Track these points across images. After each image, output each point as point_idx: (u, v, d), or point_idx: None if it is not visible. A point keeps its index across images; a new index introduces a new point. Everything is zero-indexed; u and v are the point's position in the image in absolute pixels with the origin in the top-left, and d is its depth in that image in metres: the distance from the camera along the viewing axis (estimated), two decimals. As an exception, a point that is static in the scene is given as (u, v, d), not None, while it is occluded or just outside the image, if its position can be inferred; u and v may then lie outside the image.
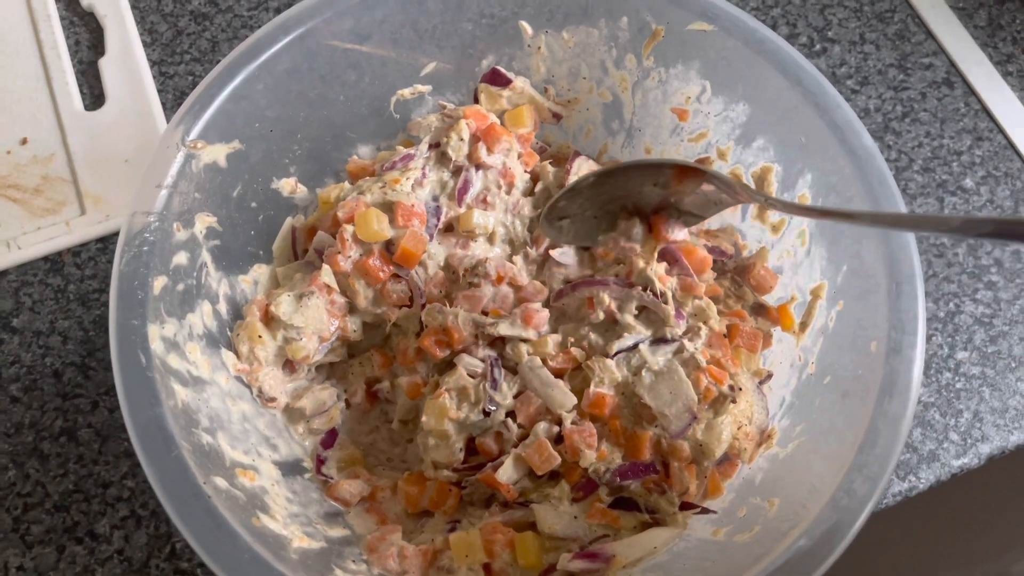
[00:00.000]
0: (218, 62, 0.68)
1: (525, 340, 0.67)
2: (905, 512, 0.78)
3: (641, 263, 0.68)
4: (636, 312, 0.66)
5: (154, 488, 0.52)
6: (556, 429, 0.64)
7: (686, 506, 0.63)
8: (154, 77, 0.91)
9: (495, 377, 0.65)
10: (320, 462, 0.67)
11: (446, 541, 0.61)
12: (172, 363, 0.58)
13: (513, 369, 0.66)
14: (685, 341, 0.65)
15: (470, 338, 0.67)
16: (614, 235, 0.65)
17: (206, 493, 0.53)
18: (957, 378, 0.80)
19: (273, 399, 0.66)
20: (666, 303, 0.66)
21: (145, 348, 0.56)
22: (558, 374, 0.65)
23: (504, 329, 0.66)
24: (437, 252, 0.71)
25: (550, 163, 0.75)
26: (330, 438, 0.69)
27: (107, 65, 0.90)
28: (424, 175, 0.70)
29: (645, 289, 0.66)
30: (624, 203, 0.64)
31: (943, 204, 0.87)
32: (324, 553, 0.59)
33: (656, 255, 0.70)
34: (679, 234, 0.64)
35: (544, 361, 0.65)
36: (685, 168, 0.60)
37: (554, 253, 0.71)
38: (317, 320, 0.66)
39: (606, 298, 0.66)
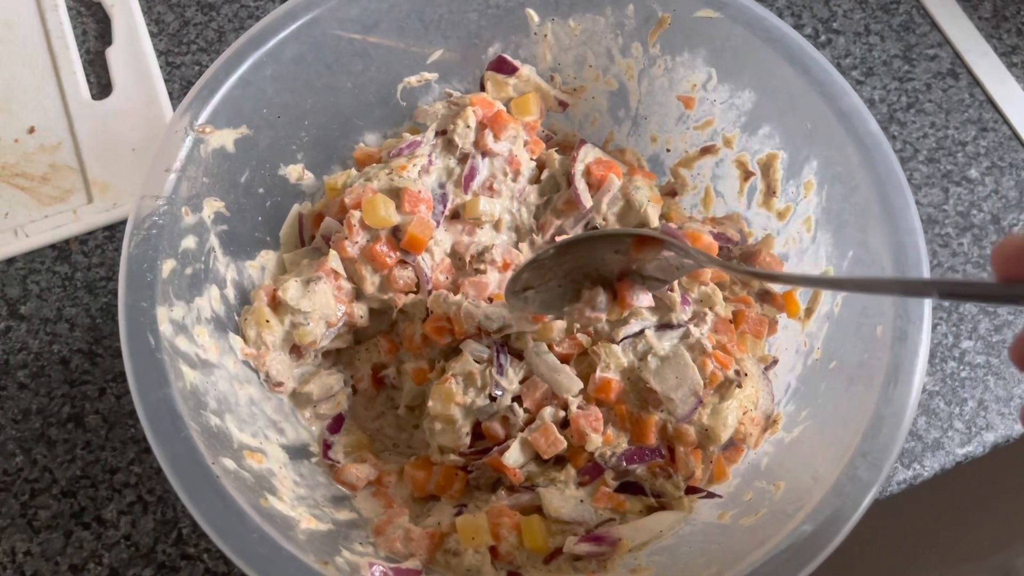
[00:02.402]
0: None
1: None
2: (909, 501, 0.78)
3: None
4: (642, 299, 0.67)
5: (163, 467, 0.53)
6: (562, 414, 0.64)
7: (692, 490, 0.63)
8: (161, 67, 0.91)
9: (501, 363, 0.66)
10: (327, 446, 0.68)
11: (453, 524, 0.62)
12: (180, 345, 0.58)
13: (519, 354, 0.66)
14: (691, 327, 0.65)
15: (472, 330, 0.67)
16: (579, 305, 0.64)
17: (215, 473, 0.53)
18: (962, 367, 0.80)
19: (280, 384, 0.67)
20: (672, 291, 0.66)
21: (154, 330, 0.57)
22: (564, 359, 0.66)
23: (513, 329, 0.66)
24: (443, 239, 0.71)
25: (556, 151, 0.75)
26: (337, 423, 0.69)
27: (114, 55, 0.91)
28: (431, 162, 0.71)
29: None
30: (588, 271, 0.63)
31: (948, 194, 0.88)
32: (331, 535, 0.59)
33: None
34: (643, 300, 0.63)
35: (550, 346, 0.66)
36: (644, 237, 0.60)
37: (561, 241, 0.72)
38: (324, 305, 0.67)
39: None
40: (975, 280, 0.41)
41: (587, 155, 0.73)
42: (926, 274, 0.60)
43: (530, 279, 0.63)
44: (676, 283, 0.66)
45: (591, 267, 0.63)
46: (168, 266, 0.60)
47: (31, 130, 0.87)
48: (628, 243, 0.60)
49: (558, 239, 0.72)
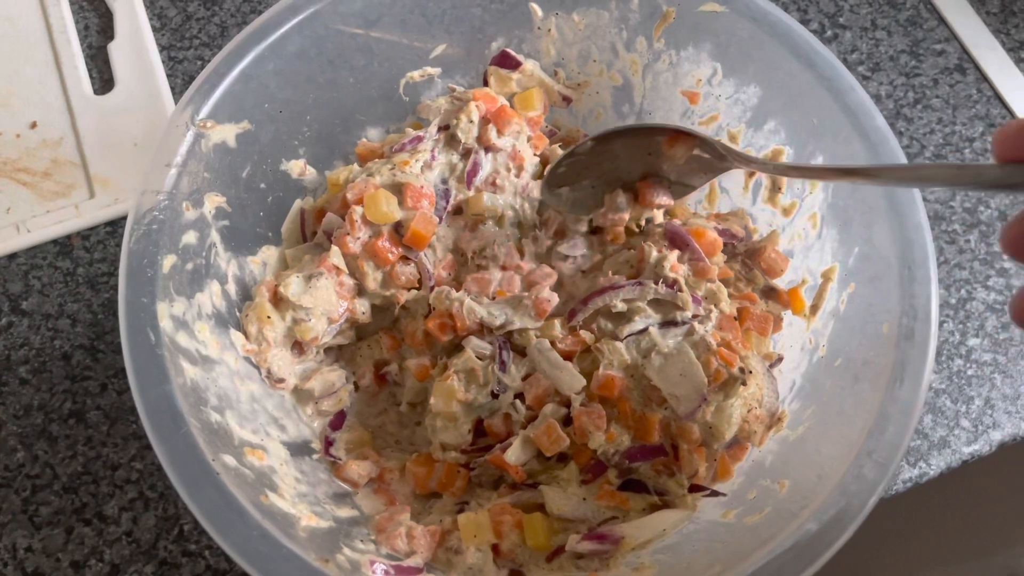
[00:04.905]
0: (227, 46, 0.68)
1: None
2: (915, 500, 0.78)
3: (655, 253, 0.67)
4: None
5: (163, 464, 0.52)
6: (565, 411, 0.64)
7: (695, 488, 0.63)
8: (163, 62, 0.91)
9: (504, 359, 0.65)
10: (328, 443, 0.67)
11: (454, 522, 0.61)
12: (181, 341, 0.58)
13: (522, 351, 0.66)
14: (695, 324, 0.65)
15: (474, 326, 0.67)
16: (602, 210, 0.68)
17: (215, 470, 0.53)
18: (968, 365, 0.79)
19: (282, 380, 0.66)
20: (680, 291, 0.65)
21: (154, 326, 0.56)
22: (567, 356, 0.65)
23: (516, 325, 0.66)
24: (446, 234, 0.71)
25: (559, 146, 0.75)
26: (338, 420, 0.69)
27: (116, 50, 0.90)
28: (433, 157, 0.70)
29: (657, 282, 0.65)
30: (619, 174, 0.67)
31: (955, 191, 0.87)
32: (332, 532, 0.58)
33: (666, 240, 0.70)
34: (664, 199, 0.67)
35: (553, 343, 0.65)
36: (679, 132, 0.63)
37: (562, 248, 0.71)
38: (326, 301, 0.66)
39: (620, 303, 0.65)
40: (975, 165, 0.40)
41: (591, 151, 0.73)
42: (933, 272, 0.60)
43: (566, 175, 0.67)
44: (684, 284, 0.66)
45: (623, 170, 0.67)
46: (169, 261, 0.59)
47: (33, 125, 0.87)
48: (661, 140, 0.64)
49: (558, 250, 0.72)
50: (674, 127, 0.63)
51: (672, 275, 0.65)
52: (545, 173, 0.67)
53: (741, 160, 0.61)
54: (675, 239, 0.69)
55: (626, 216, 0.67)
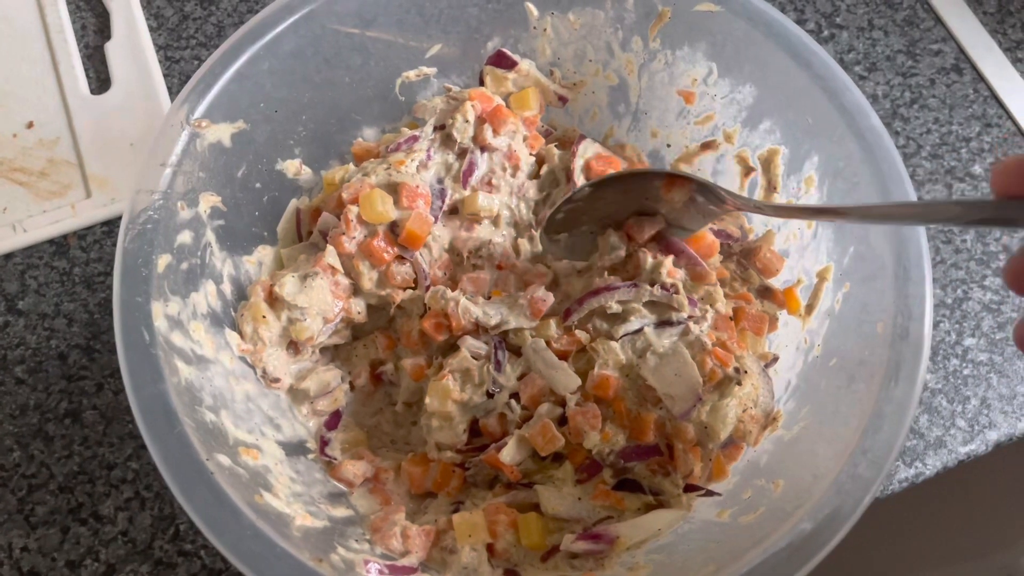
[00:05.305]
0: (224, 46, 0.68)
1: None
2: (911, 499, 0.78)
3: (650, 259, 0.67)
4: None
5: (157, 463, 0.52)
6: (560, 411, 0.64)
7: (690, 488, 0.63)
8: (160, 61, 0.91)
9: (499, 359, 0.65)
10: (324, 443, 0.67)
11: (449, 521, 0.61)
12: (176, 341, 0.58)
13: (517, 351, 0.66)
14: (691, 324, 0.65)
15: (469, 326, 0.66)
16: (598, 254, 0.68)
17: (209, 470, 0.53)
18: (964, 364, 0.79)
19: (277, 380, 0.66)
20: (677, 293, 0.65)
21: (149, 325, 0.56)
22: (562, 356, 0.65)
23: (511, 325, 0.66)
24: (442, 234, 0.70)
25: (555, 146, 0.75)
26: (334, 420, 0.69)
27: (113, 49, 0.90)
28: (429, 157, 0.70)
29: (653, 284, 0.65)
30: (617, 219, 0.67)
31: (951, 191, 0.87)
32: (327, 532, 0.58)
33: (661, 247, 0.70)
34: (649, 231, 0.67)
35: (548, 343, 0.65)
36: (675, 176, 0.63)
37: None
38: (321, 301, 0.66)
39: (615, 305, 0.65)
40: (971, 199, 0.40)
41: (587, 150, 0.73)
42: (928, 271, 0.60)
43: (564, 221, 0.66)
44: (681, 286, 0.66)
45: (621, 215, 0.67)
46: (163, 261, 0.59)
47: (30, 125, 0.87)
48: (659, 187, 0.64)
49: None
50: (670, 172, 0.64)
51: (669, 280, 0.65)
52: (544, 220, 0.67)
53: (739, 203, 0.61)
54: (670, 247, 0.68)
55: (622, 254, 0.67)
